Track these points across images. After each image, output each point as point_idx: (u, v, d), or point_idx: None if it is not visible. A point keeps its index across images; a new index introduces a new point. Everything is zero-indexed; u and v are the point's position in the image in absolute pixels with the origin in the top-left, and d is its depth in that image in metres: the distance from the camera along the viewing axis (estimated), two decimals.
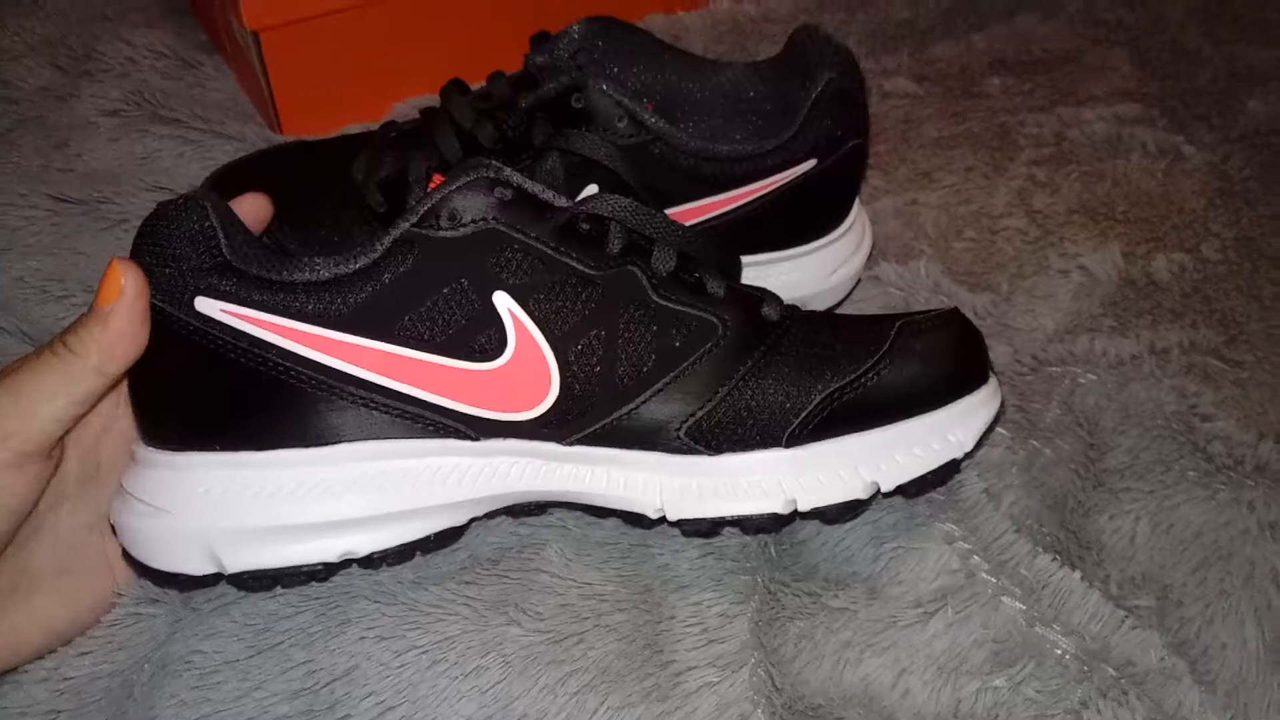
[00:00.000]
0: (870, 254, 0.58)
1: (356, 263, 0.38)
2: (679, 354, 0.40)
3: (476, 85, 0.52)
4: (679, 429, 0.41)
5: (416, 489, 0.39)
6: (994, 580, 0.43)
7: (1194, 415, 0.51)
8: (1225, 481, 0.48)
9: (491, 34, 0.67)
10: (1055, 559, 0.44)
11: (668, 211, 0.49)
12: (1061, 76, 0.75)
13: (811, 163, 0.50)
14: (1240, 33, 0.80)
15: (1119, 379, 0.52)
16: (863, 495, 0.41)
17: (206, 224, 0.37)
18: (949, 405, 0.43)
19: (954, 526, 0.45)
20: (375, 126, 0.53)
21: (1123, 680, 0.40)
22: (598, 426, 0.40)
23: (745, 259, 0.52)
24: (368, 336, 0.38)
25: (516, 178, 0.39)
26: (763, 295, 0.43)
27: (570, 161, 0.48)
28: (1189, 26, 0.80)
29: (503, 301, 0.39)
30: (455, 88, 0.51)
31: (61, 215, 0.58)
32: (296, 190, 0.52)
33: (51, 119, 0.65)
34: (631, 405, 0.40)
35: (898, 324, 0.43)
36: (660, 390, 0.40)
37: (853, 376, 0.41)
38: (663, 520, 0.42)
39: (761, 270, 0.52)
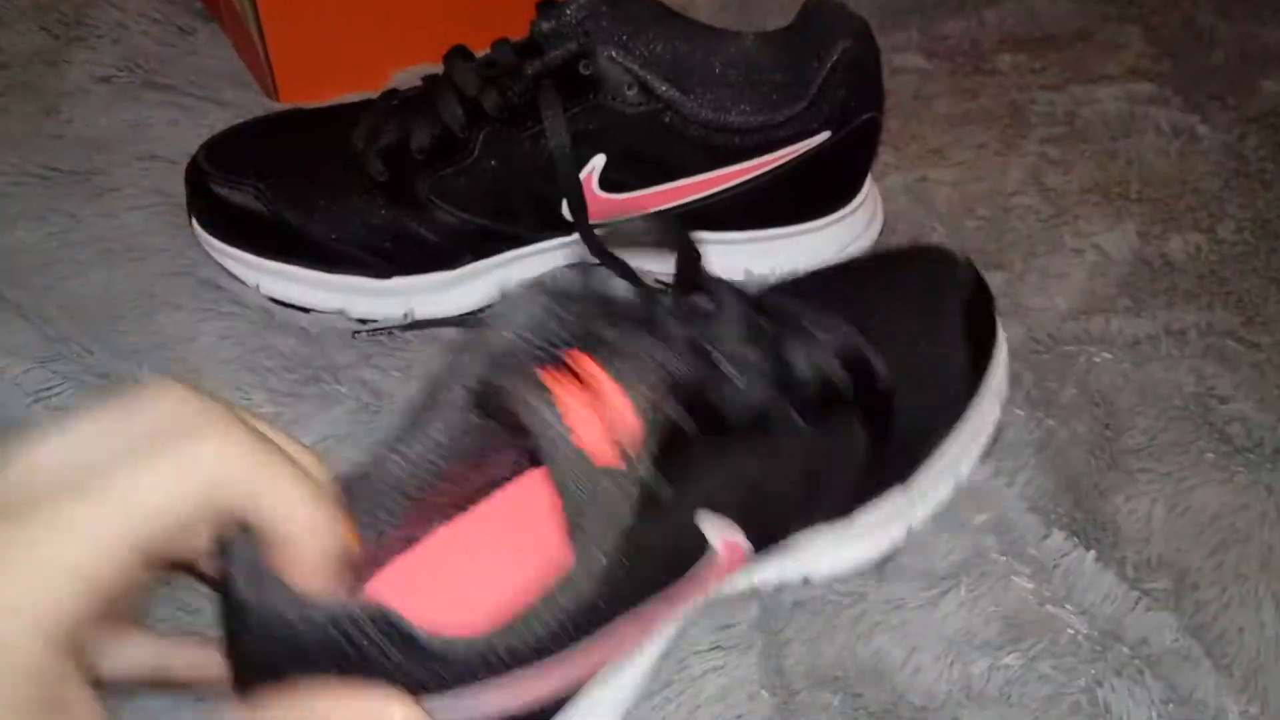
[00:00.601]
0: (880, 231, 0.57)
1: None
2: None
3: (480, 53, 0.50)
4: None
5: None
6: (1004, 559, 0.42)
7: (1212, 397, 0.50)
8: (1243, 464, 0.47)
9: (495, 1, 0.65)
10: (1068, 539, 0.43)
11: (678, 184, 0.48)
12: (1073, 54, 0.73)
13: (825, 135, 0.48)
14: (1254, 12, 0.78)
15: (1135, 359, 0.51)
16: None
17: None
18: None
19: (965, 505, 0.44)
20: (375, 95, 0.52)
21: (1137, 660, 0.39)
22: None
23: (756, 234, 0.51)
24: None
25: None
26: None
27: (574, 130, 0.47)
28: (1201, 5, 0.79)
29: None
30: (458, 54, 0.50)
31: (52, 183, 0.57)
32: (294, 158, 0.51)
33: (42, 85, 0.64)
34: None
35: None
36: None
37: None
38: None
39: (772, 246, 0.51)
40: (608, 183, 0.48)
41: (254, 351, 0.49)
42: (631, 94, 0.46)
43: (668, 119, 0.47)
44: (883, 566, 0.42)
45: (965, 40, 0.74)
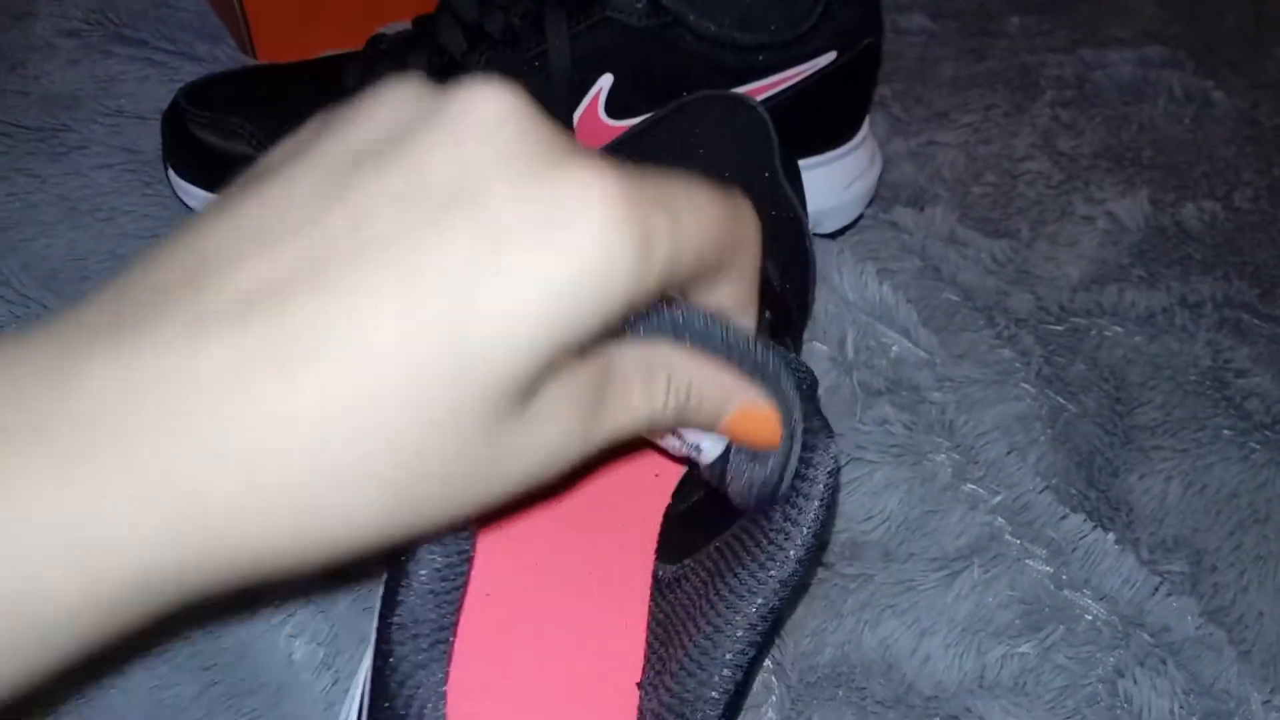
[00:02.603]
0: (883, 196, 0.55)
1: None
2: None
3: None
4: None
5: None
6: (1018, 542, 0.40)
7: (1228, 371, 0.48)
8: (1261, 441, 0.45)
9: None
10: (1086, 520, 0.41)
11: None
12: (1083, 16, 0.71)
13: (831, 55, 0.46)
14: None
15: (1149, 332, 0.49)
16: None
17: None
18: None
19: (976, 485, 0.42)
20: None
21: (1159, 649, 0.37)
22: None
23: None
24: None
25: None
26: None
27: (580, 50, 0.44)
28: None
29: None
30: None
31: (16, 140, 0.54)
32: (283, 100, 0.48)
33: (6, 39, 0.60)
34: None
35: None
36: None
37: None
38: None
39: None
40: (615, 107, 0.46)
41: None
42: (640, 7, 0.44)
43: (676, 35, 0.45)
44: (890, 546, 0.40)
45: (972, 1, 0.72)
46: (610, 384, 0.23)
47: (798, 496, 0.27)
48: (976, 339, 0.48)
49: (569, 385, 0.22)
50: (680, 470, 0.37)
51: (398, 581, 0.27)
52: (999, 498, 0.41)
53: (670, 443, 0.30)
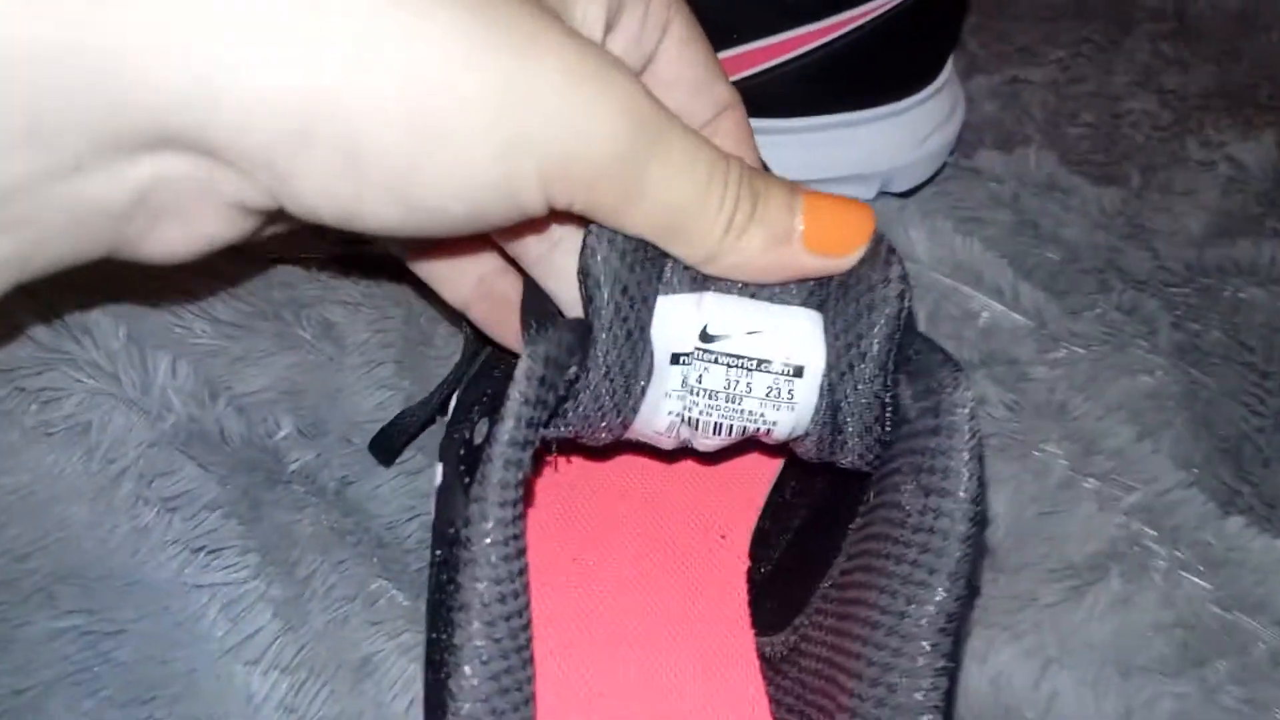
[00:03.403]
0: (963, 138, 0.47)
1: None
2: None
3: None
4: None
5: None
6: (1164, 550, 0.32)
7: None
8: None
9: None
10: (1247, 522, 0.33)
11: (736, 51, 0.38)
12: None
13: None
14: None
15: None
16: None
17: None
18: None
19: (1101, 481, 0.34)
20: None
21: None
22: None
23: (822, 120, 0.41)
24: None
25: None
26: None
27: None
28: None
29: None
30: None
31: None
32: None
33: None
34: None
35: None
36: None
37: None
38: None
39: (841, 134, 0.40)
40: None
41: (196, 274, 0.38)
42: None
43: None
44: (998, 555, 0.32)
45: None
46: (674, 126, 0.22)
47: (935, 454, 0.20)
48: (1086, 303, 0.40)
49: None
50: (746, 525, 0.30)
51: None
52: (1134, 495, 0.33)
53: (736, 424, 0.23)
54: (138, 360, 0.31)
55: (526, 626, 0.21)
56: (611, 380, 0.23)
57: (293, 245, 0.36)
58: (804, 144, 0.41)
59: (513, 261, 0.27)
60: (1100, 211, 0.44)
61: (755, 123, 0.40)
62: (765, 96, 0.39)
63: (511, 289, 0.28)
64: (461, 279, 0.29)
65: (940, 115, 0.43)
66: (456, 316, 0.31)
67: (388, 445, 0.32)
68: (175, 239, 0.22)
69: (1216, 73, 0.53)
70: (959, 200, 0.44)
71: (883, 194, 0.44)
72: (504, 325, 0.28)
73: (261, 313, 0.34)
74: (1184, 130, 0.49)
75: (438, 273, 0.29)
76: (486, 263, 0.28)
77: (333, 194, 0.19)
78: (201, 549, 0.29)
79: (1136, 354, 0.38)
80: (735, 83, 0.37)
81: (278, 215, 0.22)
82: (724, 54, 0.38)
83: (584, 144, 0.20)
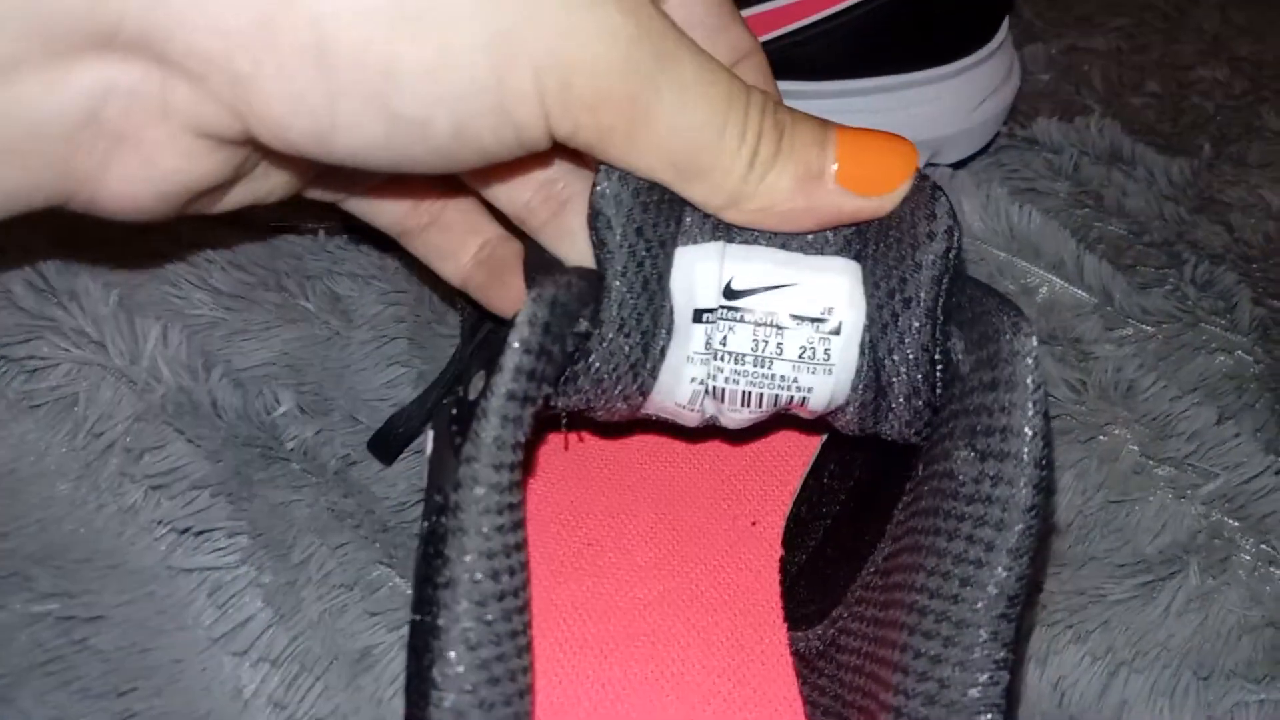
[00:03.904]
0: (1019, 107, 0.44)
1: None
2: None
3: None
4: None
5: None
6: (1249, 542, 0.29)
7: None
8: None
9: None
10: None
11: (767, 6, 0.35)
12: None
13: None
14: None
15: None
16: None
17: None
18: None
19: (1176, 468, 0.31)
20: None
21: None
22: None
23: (865, 84, 0.38)
24: None
25: None
26: None
27: None
28: None
29: None
30: None
31: None
32: None
33: None
34: None
35: None
36: None
37: None
38: None
39: (884, 100, 0.38)
40: None
41: (191, 244, 0.37)
42: None
43: None
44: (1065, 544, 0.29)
45: None
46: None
47: (993, 412, 0.17)
48: (1156, 278, 0.37)
49: None
50: (780, 511, 0.27)
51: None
52: (1215, 483, 0.30)
53: (767, 392, 0.21)
54: (126, 328, 0.29)
55: (523, 609, 0.18)
56: (627, 335, 0.21)
57: (300, 214, 0.34)
58: (842, 110, 0.38)
59: (516, 231, 0.25)
60: (1169, 183, 0.41)
61: (787, 85, 0.38)
62: (800, 57, 0.36)
63: (514, 256, 0.25)
64: (462, 251, 0.26)
65: (995, 80, 0.40)
66: (460, 299, 0.29)
67: (389, 443, 0.30)
68: (135, 177, 0.19)
69: None
70: (1014, 170, 0.41)
71: (931, 165, 0.41)
72: (508, 295, 0.25)
73: (264, 283, 0.32)
74: (1258, 99, 0.46)
75: (435, 247, 0.26)
76: (488, 231, 0.26)
77: (303, 103, 0.17)
78: (188, 530, 0.27)
79: (1213, 331, 0.35)
80: (766, 43, 0.35)
81: (249, 151, 0.20)
82: (754, 10, 0.35)
83: (582, 48, 0.17)
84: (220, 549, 0.27)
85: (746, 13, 0.35)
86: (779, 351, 0.21)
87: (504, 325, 0.26)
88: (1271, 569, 0.28)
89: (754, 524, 0.28)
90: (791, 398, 0.22)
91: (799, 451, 0.29)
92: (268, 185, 0.23)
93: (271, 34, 0.16)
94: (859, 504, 0.26)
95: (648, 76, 0.18)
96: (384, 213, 0.26)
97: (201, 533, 0.27)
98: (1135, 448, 0.31)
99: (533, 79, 0.17)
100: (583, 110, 0.18)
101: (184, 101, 0.18)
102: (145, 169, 0.19)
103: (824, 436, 0.28)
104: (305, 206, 0.29)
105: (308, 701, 0.26)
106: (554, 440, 0.29)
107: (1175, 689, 0.26)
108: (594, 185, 0.20)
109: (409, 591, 0.27)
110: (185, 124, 0.18)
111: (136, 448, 0.28)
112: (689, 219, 0.21)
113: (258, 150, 0.20)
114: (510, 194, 0.22)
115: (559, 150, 0.20)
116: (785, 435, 0.29)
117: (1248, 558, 0.28)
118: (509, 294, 0.25)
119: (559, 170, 0.22)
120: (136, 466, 0.27)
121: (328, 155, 0.18)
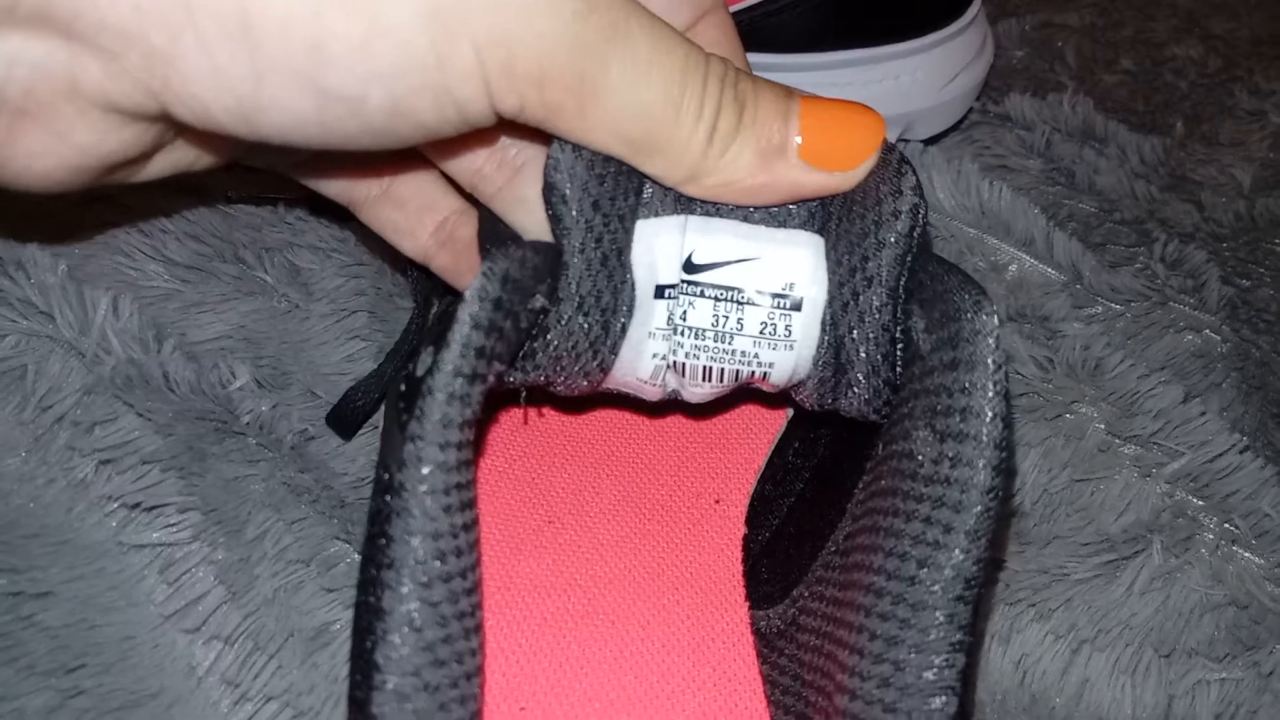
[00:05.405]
0: (991, 84, 0.43)
1: None
2: None
3: None
4: None
5: None
6: (1213, 521, 0.29)
7: None
8: None
9: None
10: None
11: None
12: None
13: None
14: None
15: None
16: None
17: None
18: None
19: (1141, 446, 0.31)
20: None
21: None
22: None
23: (835, 57, 0.37)
24: None
25: None
26: None
27: None
28: None
29: None
30: None
31: None
32: None
33: None
34: None
35: None
36: None
37: None
38: None
39: (856, 73, 0.37)
40: None
41: (145, 214, 0.36)
42: None
43: None
44: (1024, 525, 0.29)
45: None
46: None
47: (952, 392, 0.17)
48: (1126, 256, 0.37)
49: None
50: (744, 488, 0.27)
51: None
52: (1180, 461, 0.30)
53: (727, 367, 0.20)
54: (75, 298, 0.28)
55: (472, 590, 0.18)
56: (587, 314, 0.20)
57: (258, 184, 0.33)
58: (812, 84, 0.37)
59: (473, 200, 0.24)
60: (1140, 161, 0.41)
61: (757, 58, 0.37)
62: (769, 28, 0.35)
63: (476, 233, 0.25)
64: (420, 227, 0.25)
65: (967, 54, 0.40)
66: (410, 266, 0.28)
67: (347, 418, 0.29)
68: (43, 152, 0.18)
69: (1267, 20, 0.49)
70: (986, 147, 0.41)
71: (902, 141, 0.40)
72: (470, 273, 0.25)
73: (221, 255, 0.32)
74: (1232, 78, 0.45)
75: (392, 222, 0.26)
76: (446, 206, 0.25)
77: (226, 81, 0.16)
78: (139, 505, 0.26)
79: (1181, 310, 0.35)
80: (736, 14, 0.34)
81: (165, 126, 0.19)
82: None
83: (526, 24, 0.17)
84: (172, 525, 0.26)
85: None
86: (739, 327, 0.21)
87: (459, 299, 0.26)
88: (1234, 548, 0.28)
89: (718, 502, 0.27)
90: (753, 373, 0.22)
91: (764, 429, 0.28)
92: (191, 155, 0.22)
93: (190, 7, 0.15)
94: (822, 482, 0.25)
95: (596, 53, 0.17)
96: (329, 183, 0.26)
97: (153, 508, 0.26)
98: (1101, 426, 0.31)
99: (474, 55, 0.17)
100: (529, 87, 0.17)
101: (95, 78, 0.17)
102: (54, 143, 0.18)
103: (789, 413, 0.28)
104: (263, 177, 0.28)
105: (261, 679, 0.25)
106: (514, 415, 0.28)
107: (1137, 667, 0.26)
108: (548, 158, 0.19)
109: None
110: (96, 100, 0.17)
111: (86, 421, 0.27)
112: (649, 191, 0.21)
113: (174, 126, 0.19)
114: (461, 161, 0.22)
115: None
116: (750, 411, 0.29)
117: (1211, 537, 0.28)
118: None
119: (513, 135, 0.21)
120: (86, 440, 0.27)
121: (254, 134, 0.17)
